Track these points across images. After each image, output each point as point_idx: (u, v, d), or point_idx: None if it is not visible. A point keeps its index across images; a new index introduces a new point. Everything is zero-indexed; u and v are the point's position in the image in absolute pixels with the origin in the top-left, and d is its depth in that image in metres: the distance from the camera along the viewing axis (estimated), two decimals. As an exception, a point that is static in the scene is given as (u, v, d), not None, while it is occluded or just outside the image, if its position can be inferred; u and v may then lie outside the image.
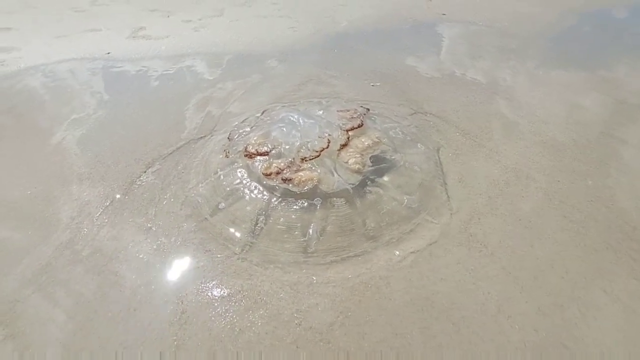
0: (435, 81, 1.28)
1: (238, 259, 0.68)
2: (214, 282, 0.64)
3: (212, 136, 1.06)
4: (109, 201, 0.86)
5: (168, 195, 0.86)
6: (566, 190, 0.80)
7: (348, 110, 0.95)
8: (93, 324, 0.60)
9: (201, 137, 1.07)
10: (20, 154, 1.04)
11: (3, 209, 0.85)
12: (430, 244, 0.69)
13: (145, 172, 0.94)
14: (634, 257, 0.65)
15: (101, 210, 0.84)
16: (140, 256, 0.71)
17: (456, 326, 0.55)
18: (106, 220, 0.81)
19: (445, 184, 0.83)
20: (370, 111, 1.00)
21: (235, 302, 0.60)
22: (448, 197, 0.80)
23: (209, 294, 0.62)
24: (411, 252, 0.67)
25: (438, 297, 0.59)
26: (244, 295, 0.61)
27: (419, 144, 0.92)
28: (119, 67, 1.60)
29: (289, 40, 1.69)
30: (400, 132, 0.93)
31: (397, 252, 0.67)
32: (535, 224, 0.73)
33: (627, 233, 0.69)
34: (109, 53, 1.75)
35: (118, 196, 0.87)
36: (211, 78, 1.41)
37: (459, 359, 0.52)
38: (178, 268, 0.68)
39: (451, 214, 0.76)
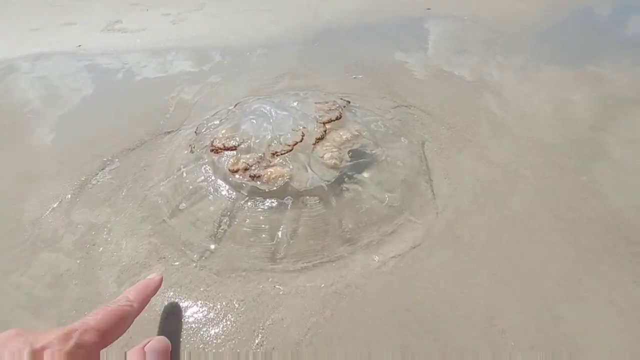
0: (420, 75, 1.22)
1: (196, 266, 0.60)
2: (165, 295, 0.56)
3: (180, 130, 0.97)
4: (57, 202, 0.77)
5: (125, 194, 0.77)
6: (558, 187, 0.74)
7: (326, 102, 0.87)
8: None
9: (169, 131, 0.98)
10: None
11: None
12: (414, 247, 0.61)
13: (103, 169, 0.85)
14: (633, 260, 0.59)
15: (48, 212, 0.75)
16: (85, 265, 0.62)
17: (441, 343, 0.48)
18: (52, 223, 0.72)
19: (431, 180, 0.76)
20: (351, 104, 0.93)
21: (187, 318, 0.52)
22: (433, 194, 0.73)
23: (159, 309, 0.54)
24: (392, 257, 0.60)
25: (421, 308, 0.52)
26: (198, 310, 0.53)
27: (402, 138, 0.85)
28: (90, 60, 1.50)
29: (269, 34, 1.62)
30: (382, 126, 0.86)
31: (377, 258, 0.60)
32: (526, 223, 0.66)
33: (624, 233, 0.63)
34: (79, 45, 1.65)
35: (69, 196, 0.78)
36: (185, 71, 1.33)
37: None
38: (126, 279, 0.59)
39: (436, 213, 0.69)
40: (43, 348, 0.33)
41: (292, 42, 1.51)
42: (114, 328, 0.41)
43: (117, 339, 0.41)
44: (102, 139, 0.96)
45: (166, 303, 0.55)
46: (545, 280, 0.56)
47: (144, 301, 0.47)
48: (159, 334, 0.51)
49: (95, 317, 0.40)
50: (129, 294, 0.46)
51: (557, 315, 0.52)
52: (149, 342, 0.41)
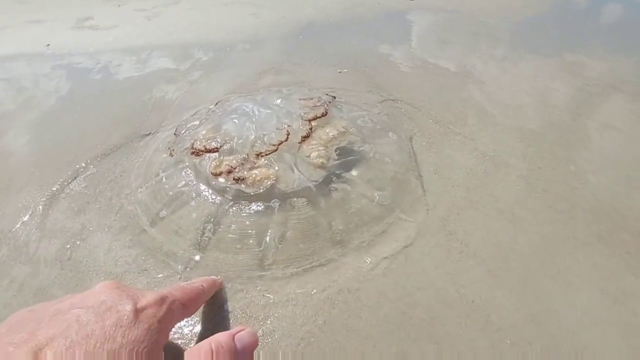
0: (406, 67, 1.20)
1: (180, 278, 0.57)
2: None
3: (158, 132, 0.93)
4: (27, 215, 0.72)
5: (101, 204, 0.72)
6: (549, 178, 0.73)
7: (311, 99, 0.84)
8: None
9: (147, 134, 0.93)
10: None
11: None
12: (406, 247, 0.60)
13: (76, 177, 0.80)
14: (627, 249, 0.58)
15: (18, 225, 0.70)
16: (60, 282, 0.58)
17: (439, 346, 0.47)
18: (22, 238, 0.67)
19: (420, 176, 0.74)
20: (337, 99, 0.90)
21: (172, 334, 0.49)
22: (423, 190, 0.71)
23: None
24: (384, 258, 0.58)
25: (417, 311, 0.50)
26: (184, 324, 0.50)
27: (390, 133, 0.83)
28: (60, 60, 1.42)
29: (251, 27, 1.56)
30: (369, 121, 0.84)
31: (369, 259, 0.58)
32: (519, 216, 0.66)
33: (617, 223, 0.63)
34: (48, 45, 1.57)
35: (40, 208, 0.73)
36: (163, 69, 1.27)
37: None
38: (104, 294, 0.55)
39: (427, 209, 0.67)
40: (143, 308, 0.34)
41: (274, 36, 1.47)
42: (193, 305, 0.42)
43: (187, 317, 0.44)
44: (75, 144, 0.90)
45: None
46: (541, 275, 0.55)
47: (212, 291, 0.49)
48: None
49: (181, 290, 0.41)
50: (201, 281, 0.48)
51: (553, 310, 0.51)
52: (238, 331, 0.39)
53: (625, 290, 0.53)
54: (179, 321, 0.40)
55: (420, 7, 1.73)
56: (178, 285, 0.43)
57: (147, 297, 0.36)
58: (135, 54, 1.39)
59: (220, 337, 0.36)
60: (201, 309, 0.51)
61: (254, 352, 0.38)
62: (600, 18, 1.69)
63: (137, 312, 0.33)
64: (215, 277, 0.54)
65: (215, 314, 0.51)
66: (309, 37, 1.45)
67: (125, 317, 0.32)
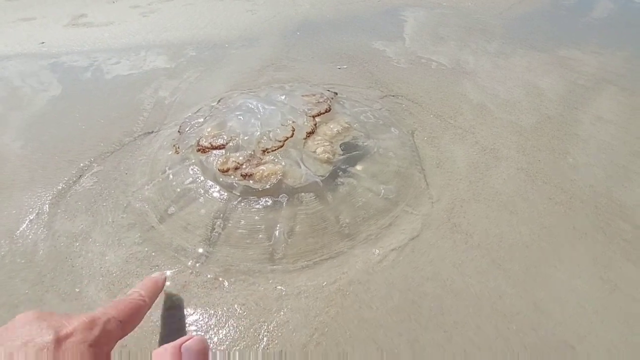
0: (404, 63, 1.21)
1: (191, 273, 0.58)
2: (161, 306, 0.53)
3: (161, 130, 0.93)
4: (34, 214, 0.71)
5: (107, 201, 0.73)
6: (548, 170, 0.75)
7: (314, 95, 0.85)
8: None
9: (149, 132, 0.93)
10: None
11: None
12: (412, 239, 0.61)
13: (80, 176, 0.80)
14: (625, 237, 0.61)
15: (25, 224, 0.70)
16: (72, 279, 0.59)
17: (448, 333, 0.48)
18: (30, 237, 0.67)
19: (423, 170, 0.76)
20: (338, 95, 0.91)
21: (188, 327, 0.50)
22: (427, 184, 0.73)
23: (153, 321, 0.51)
24: (392, 250, 0.59)
25: (426, 300, 0.52)
26: (197, 318, 0.51)
27: (392, 128, 0.84)
28: (54, 58, 1.40)
29: (248, 23, 1.56)
30: (371, 116, 0.85)
31: (377, 251, 0.59)
32: (521, 208, 0.67)
33: (615, 212, 0.65)
34: (43, 43, 1.54)
35: (46, 207, 0.73)
36: (160, 67, 1.26)
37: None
38: (118, 291, 0.56)
39: (432, 202, 0.69)
40: (67, 336, 0.32)
41: (272, 32, 1.47)
42: (132, 320, 0.40)
43: (129, 333, 0.40)
44: (76, 143, 0.90)
45: (164, 313, 0.52)
46: (543, 265, 0.57)
47: (153, 297, 0.47)
48: (160, 345, 0.49)
49: (116, 306, 0.39)
50: (140, 289, 0.45)
51: (556, 298, 0.53)
52: (186, 340, 0.37)
53: (624, 278, 0.55)
54: (120, 339, 0.38)
55: (416, 3, 1.74)
56: (113, 302, 0.40)
57: (73, 324, 0.33)
58: (131, 51, 1.38)
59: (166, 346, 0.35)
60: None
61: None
62: (592, 13, 1.72)
63: (59, 341, 0.31)
64: (156, 275, 0.51)
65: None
66: (307, 33, 1.45)
67: (46, 349, 0.30)
